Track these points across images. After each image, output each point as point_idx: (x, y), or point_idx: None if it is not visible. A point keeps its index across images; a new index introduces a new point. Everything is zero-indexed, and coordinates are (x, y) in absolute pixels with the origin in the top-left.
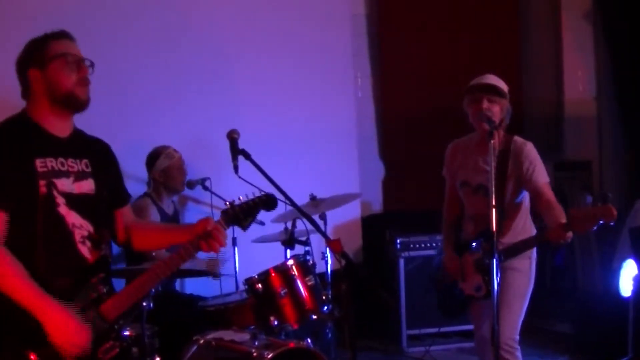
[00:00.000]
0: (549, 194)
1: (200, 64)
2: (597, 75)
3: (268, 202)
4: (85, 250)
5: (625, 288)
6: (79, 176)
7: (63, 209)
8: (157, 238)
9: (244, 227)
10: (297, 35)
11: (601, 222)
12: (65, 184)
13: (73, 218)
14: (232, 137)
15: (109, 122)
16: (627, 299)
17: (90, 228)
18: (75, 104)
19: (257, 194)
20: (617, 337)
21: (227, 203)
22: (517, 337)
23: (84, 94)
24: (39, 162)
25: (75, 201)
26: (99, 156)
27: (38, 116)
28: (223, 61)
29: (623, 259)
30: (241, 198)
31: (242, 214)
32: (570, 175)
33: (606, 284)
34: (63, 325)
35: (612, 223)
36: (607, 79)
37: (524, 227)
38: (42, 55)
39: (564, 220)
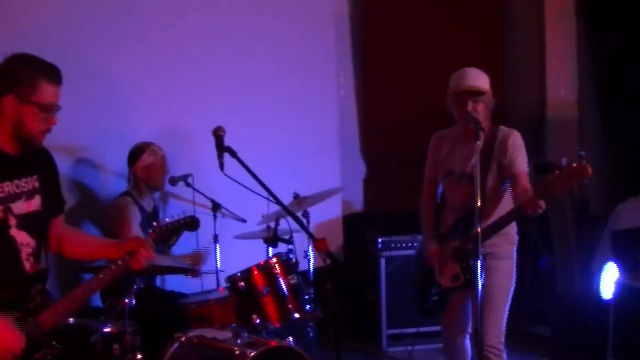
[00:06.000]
0: (526, 182)
1: (184, 61)
2: (579, 80)
3: (191, 223)
4: (28, 265)
5: (606, 291)
6: (29, 195)
7: (14, 231)
8: (87, 251)
9: (169, 245)
10: (280, 33)
11: (577, 181)
12: (18, 206)
13: (22, 238)
14: (218, 135)
15: (92, 117)
16: (608, 301)
17: (34, 245)
18: (29, 146)
19: (182, 215)
20: (598, 340)
21: (155, 224)
22: (503, 340)
23: (42, 140)
24: None
25: (25, 221)
26: (45, 169)
27: None
28: (206, 58)
29: (603, 262)
30: (167, 219)
31: (167, 233)
32: None
33: (586, 287)
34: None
35: (586, 182)
36: (589, 83)
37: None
38: (28, 92)
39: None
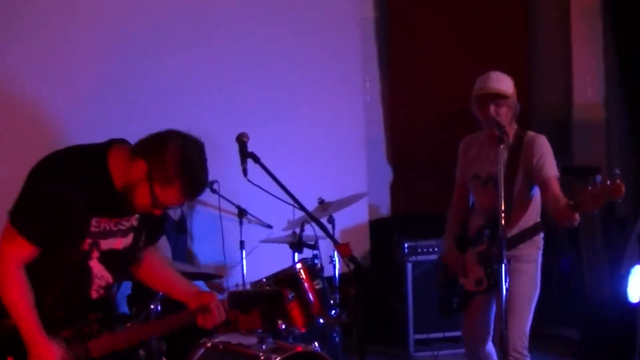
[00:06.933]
0: (556, 187)
1: (208, 67)
2: (605, 81)
3: (277, 298)
4: (95, 295)
5: (634, 294)
6: (124, 234)
7: (94, 263)
8: (158, 283)
9: (246, 314)
10: (306, 38)
11: (610, 198)
12: (107, 243)
13: (99, 270)
14: (242, 140)
15: (116, 124)
16: (635, 304)
17: (110, 280)
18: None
19: (270, 287)
20: (625, 343)
21: (237, 285)
22: (527, 344)
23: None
24: (94, 222)
25: (108, 256)
26: None
27: (118, 173)
28: (232, 64)
29: (631, 265)
30: (250, 286)
31: (248, 302)
32: (578, 181)
33: (614, 290)
34: None
35: (619, 200)
36: (615, 84)
37: (533, 221)
38: (158, 179)
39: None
